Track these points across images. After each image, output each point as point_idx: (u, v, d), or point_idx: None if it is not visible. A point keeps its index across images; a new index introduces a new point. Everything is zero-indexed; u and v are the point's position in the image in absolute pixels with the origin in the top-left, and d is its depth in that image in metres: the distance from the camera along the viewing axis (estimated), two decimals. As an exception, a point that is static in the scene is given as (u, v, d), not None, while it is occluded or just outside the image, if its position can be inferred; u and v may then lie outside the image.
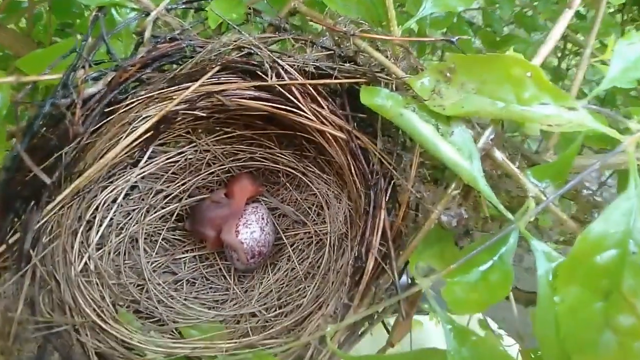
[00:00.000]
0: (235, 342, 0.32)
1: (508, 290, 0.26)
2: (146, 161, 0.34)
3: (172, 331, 0.34)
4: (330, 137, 0.32)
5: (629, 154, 0.25)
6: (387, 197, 0.30)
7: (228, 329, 0.36)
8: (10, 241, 0.26)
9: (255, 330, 0.35)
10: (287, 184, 0.40)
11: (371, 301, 0.29)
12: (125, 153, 0.31)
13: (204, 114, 0.31)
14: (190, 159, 0.37)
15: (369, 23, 0.33)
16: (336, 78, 0.31)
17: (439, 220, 0.29)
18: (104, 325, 0.29)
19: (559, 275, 0.24)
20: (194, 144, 0.36)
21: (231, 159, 0.38)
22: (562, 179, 0.27)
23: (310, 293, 0.35)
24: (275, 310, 0.36)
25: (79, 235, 0.30)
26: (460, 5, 0.37)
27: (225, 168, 0.38)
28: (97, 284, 0.31)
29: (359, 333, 0.30)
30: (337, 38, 0.31)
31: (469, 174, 0.27)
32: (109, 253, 0.33)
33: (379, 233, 0.29)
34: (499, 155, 0.28)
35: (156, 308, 0.34)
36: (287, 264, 0.39)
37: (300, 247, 0.40)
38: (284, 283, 0.38)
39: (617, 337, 0.24)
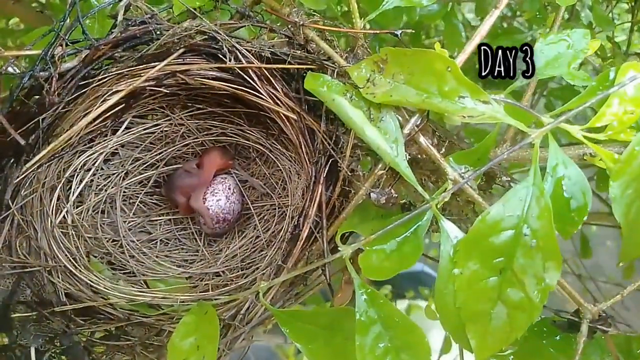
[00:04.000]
0: (192, 295, 0.36)
1: (415, 261, 0.29)
2: (124, 131, 0.38)
3: (140, 282, 0.39)
4: (285, 117, 0.35)
5: (534, 146, 0.27)
6: (326, 174, 0.32)
7: (192, 285, 0.40)
8: (-7, 192, 0.30)
9: (216, 288, 0.39)
10: (257, 160, 0.43)
11: (304, 265, 0.32)
12: (99, 122, 0.34)
13: (169, 91, 0.34)
14: (166, 131, 0.40)
15: (321, 15, 0.35)
16: (289, 64, 0.34)
17: (369, 197, 0.32)
18: (74, 271, 0.33)
19: (458, 251, 0.27)
20: (169, 117, 0.40)
21: (204, 133, 0.42)
22: (480, 165, 0.30)
23: (269, 258, 0.39)
24: (238, 271, 0.40)
25: (57, 191, 0.34)
26: (425, -1, 0.39)
27: (199, 141, 0.42)
28: (73, 236, 0.35)
29: (294, 293, 0.33)
30: (292, 28, 0.34)
31: (391, 157, 0.29)
32: (88, 210, 0.38)
33: (315, 205, 0.32)
34: (423, 141, 0.30)
35: (128, 262, 0.39)
36: (252, 232, 0.43)
37: (265, 217, 0.43)
38: (248, 249, 0.42)
39: (507, 309, 0.27)
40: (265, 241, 0.41)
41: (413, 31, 0.36)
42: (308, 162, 0.34)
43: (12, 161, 0.30)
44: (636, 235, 0.27)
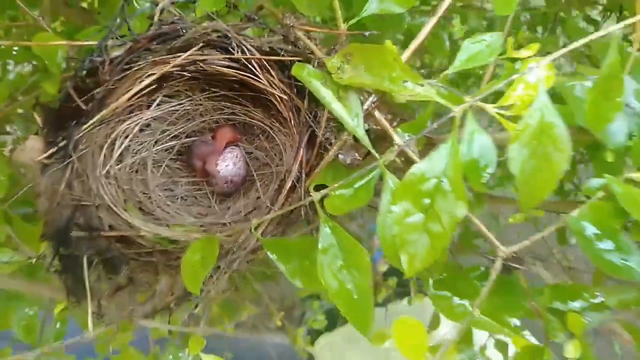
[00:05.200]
0: (203, 235, 0.46)
1: (366, 202, 0.38)
2: (155, 107, 0.49)
3: (164, 226, 0.49)
4: (279, 98, 0.45)
5: (454, 119, 0.36)
6: (307, 140, 0.42)
7: (204, 230, 0.50)
8: (60, 145, 0.41)
9: (222, 233, 0.49)
10: (260, 135, 0.53)
11: (288, 206, 0.42)
12: (137, 98, 0.45)
13: (190, 75, 0.45)
14: (188, 109, 0.51)
15: (313, 19, 0.45)
16: (282, 56, 0.44)
17: (337, 158, 0.41)
18: (114, 209, 0.43)
19: (394, 194, 0.36)
20: (191, 98, 0.50)
21: (218, 112, 0.52)
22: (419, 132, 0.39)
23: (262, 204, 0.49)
24: (241, 222, 0.50)
25: (104, 149, 0.44)
26: (399, 7, 0.48)
27: (214, 118, 0.52)
28: (114, 185, 0.46)
29: (281, 230, 0.43)
30: (285, 28, 0.43)
31: (352, 126, 0.39)
32: (126, 167, 0.48)
33: (297, 164, 0.42)
34: (377, 115, 0.40)
35: (155, 210, 0.49)
36: (255, 193, 0.53)
37: (265, 182, 0.53)
38: (250, 205, 0.52)
39: (430, 239, 0.36)
40: (264, 200, 0.51)
41: (377, 32, 0.45)
42: (295, 132, 0.44)
43: (74, 123, 0.41)
44: (530, 188, 0.35)
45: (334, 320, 1.72)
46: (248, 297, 1.22)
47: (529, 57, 0.40)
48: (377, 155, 0.38)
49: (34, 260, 0.38)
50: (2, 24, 0.52)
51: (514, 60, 0.44)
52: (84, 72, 0.41)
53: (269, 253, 0.39)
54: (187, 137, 0.53)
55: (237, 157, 0.52)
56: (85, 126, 0.42)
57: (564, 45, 0.38)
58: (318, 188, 0.41)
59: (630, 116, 0.43)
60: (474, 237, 1.04)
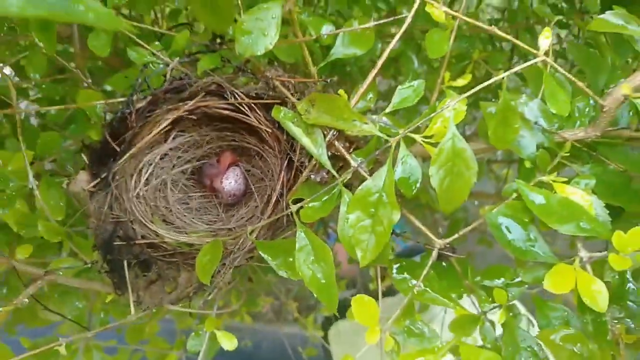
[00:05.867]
0: (213, 239, 0.60)
1: (329, 211, 0.50)
2: (171, 140, 0.62)
3: (183, 233, 0.62)
4: (265, 132, 0.57)
5: (392, 146, 0.48)
6: (286, 164, 0.55)
7: (214, 234, 0.64)
8: (102, 177, 0.55)
9: (229, 236, 0.62)
10: (256, 156, 0.66)
11: (274, 216, 0.55)
12: (157, 136, 0.58)
13: (197, 117, 0.58)
14: (197, 139, 0.64)
15: (289, 66, 0.57)
16: (266, 99, 0.56)
17: (310, 178, 0.54)
18: (144, 222, 0.57)
19: (349, 205, 0.48)
20: (199, 131, 0.63)
21: (221, 140, 0.65)
22: (368, 157, 0.51)
23: (256, 215, 0.62)
24: (243, 227, 0.63)
25: (134, 176, 0.58)
26: (360, 50, 0.60)
27: (218, 145, 0.66)
28: (143, 203, 0.59)
29: (270, 234, 0.56)
30: (266, 79, 0.56)
31: (317, 155, 0.51)
32: (151, 188, 0.62)
33: (279, 183, 0.54)
34: (337, 144, 0.52)
35: (175, 221, 0.62)
36: (254, 203, 0.66)
37: (261, 194, 0.66)
38: (250, 213, 0.65)
39: (376, 237, 0.48)
40: (260, 208, 0.64)
41: (336, 78, 0.57)
42: (278, 157, 0.57)
43: (112, 159, 0.55)
44: (447, 198, 0.47)
45: (343, 310, 1.85)
46: (264, 289, 1.35)
47: (461, 85, 0.52)
48: (337, 175, 0.51)
49: (89, 265, 0.52)
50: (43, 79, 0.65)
51: (452, 88, 0.56)
52: (117, 120, 0.54)
53: (261, 252, 0.52)
54: (197, 161, 0.66)
55: (237, 175, 0.65)
56: (119, 161, 0.55)
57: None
58: (296, 201, 0.53)
59: (539, 132, 0.54)
60: (460, 225, 1.16)
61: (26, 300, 0.47)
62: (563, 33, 0.98)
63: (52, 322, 0.72)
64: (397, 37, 0.51)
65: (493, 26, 0.48)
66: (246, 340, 1.44)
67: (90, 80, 0.65)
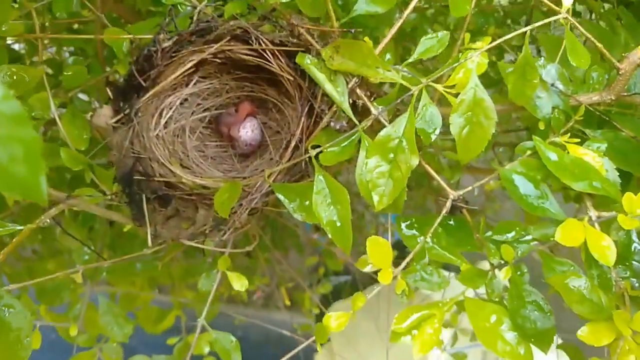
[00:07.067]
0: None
1: (350, 156, 0.51)
2: (192, 85, 0.62)
3: (200, 177, 0.63)
4: (287, 79, 0.58)
5: (413, 95, 0.49)
6: (307, 111, 0.55)
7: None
8: (125, 112, 0.55)
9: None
10: (273, 109, 0.67)
11: (293, 160, 0.55)
12: (180, 78, 0.59)
13: (220, 61, 0.58)
14: (216, 87, 0.64)
15: (311, 19, 0.58)
16: (289, 47, 0.57)
17: (330, 125, 0.54)
18: (163, 161, 0.57)
19: (368, 150, 0.49)
20: (219, 79, 0.64)
21: (240, 90, 0.65)
22: (389, 105, 0.51)
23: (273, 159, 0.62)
24: (257, 176, 0.64)
25: (155, 116, 0.58)
26: (382, 8, 0.60)
27: (236, 95, 0.66)
28: (162, 145, 0.60)
29: (287, 178, 0.57)
30: (291, 26, 0.56)
31: (339, 101, 0.51)
32: (170, 132, 0.62)
33: (299, 129, 0.55)
34: (359, 92, 0.52)
35: (192, 166, 0.63)
36: (269, 154, 0.66)
37: (277, 146, 0.67)
38: (264, 165, 0.66)
39: (393, 182, 0.49)
40: (276, 159, 0.65)
41: (361, 30, 0.58)
42: (299, 105, 0.58)
43: (135, 95, 0.55)
44: (466, 147, 0.48)
45: (339, 292, 1.87)
46: (260, 270, 1.36)
47: (480, 48, 0.53)
48: (357, 122, 0.51)
49: (109, 196, 0.53)
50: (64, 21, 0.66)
51: (470, 49, 0.57)
52: (143, 58, 0.54)
53: (278, 194, 0.53)
54: (216, 109, 0.66)
55: (254, 125, 0.65)
56: (143, 98, 0.55)
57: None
58: (314, 147, 0.54)
59: (555, 94, 0.55)
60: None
61: (47, 220, 0.47)
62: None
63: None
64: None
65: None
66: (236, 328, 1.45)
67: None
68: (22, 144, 0.20)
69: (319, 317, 1.70)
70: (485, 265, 0.56)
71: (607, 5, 0.79)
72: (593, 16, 0.88)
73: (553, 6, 0.46)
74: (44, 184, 0.21)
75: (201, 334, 0.58)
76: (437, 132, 0.49)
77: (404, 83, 0.49)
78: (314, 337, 0.56)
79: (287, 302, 1.44)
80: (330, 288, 1.78)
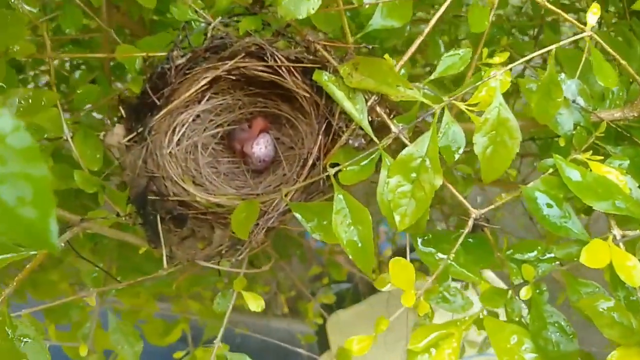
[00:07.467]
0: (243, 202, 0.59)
1: (369, 175, 0.50)
2: (205, 102, 0.61)
3: (213, 195, 0.62)
4: (302, 96, 0.57)
5: (435, 113, 0.48)
6: (324, 129, 0.54)
7: (242, 199, 0.63)
8: (138, 131, 0.54)
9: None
10: (286, 124, 0.66)
11: (310, 179, 0.54)
12: (193, 95, 0.57)
13: (234, 78, 0.57)
14: (229, 103, 0.63)
15: (328, 34, 0.57)
16: (305, 64, 0.55)
17: (348, 143, 0.53)
18: (176, 180, 0.56)
19: (390, 170, 0.48)
20: (232, 95, 0.63)
21: (253, 106, 0.64)
22: (409, 124, 0.50)
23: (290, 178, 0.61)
24: (270, 193, 0.63)
25: (168, 134, 0.57)
26: (398, 23, 0.60)
27: (250, 111, 0.65)
28: (174, 163, 0.59)
29: (304, 197, 0.55)
30: (307, 42, 0.55)
31: (359, 118, 0.50)
32: (183, 149, 0.61)
33: (316, 147, 0.54)
34: (378, 109, 0.51)
35: (204, 183, 0.62)
36: (282, 171, 0.65)
37: (290, 162, 0.65)
38: (277, 181, 0.64)
39: (415, 202, 0.48)
40: (289, 176, 0.64)
41: (377, 46, 0.57)
42: (315, 122, 0.56)
43: (149, 114, 0.54)
44: (490, 166, 0.47)
45: (342, 300, 1.85)
46: (262, 279, 1.35)
47: (498, 63, 0.52)
48: (377, 140, 0.50)
49: (123, 218, 0.51)
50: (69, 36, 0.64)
51: (488, 65, 0.56)
52: (157, 76, 0.53)
53: (295, 214, 0.51)
54: (228, 125, 0.65)
55: (267, 141, 0.64)
56: (156, 117, 0.54)
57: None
58: (333, 166, 0.53)
59: (576, 110, 0.54)
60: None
61: (62, 244, 0.46)
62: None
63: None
64: (438, 13, 0.51)
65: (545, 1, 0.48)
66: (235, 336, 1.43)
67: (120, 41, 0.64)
68: (32, 183, 0.18)
69: (322, 326, 1.68)
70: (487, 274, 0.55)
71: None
72: (604, 27, 0.88)
73: (578, 24, 0.45)
74: (55, 230, 0.19)
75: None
76: (461, 151, 0.47)
77: (426, 101, 0.48)
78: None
79: (286, 310, 1.43)
80: (334, 298, 1.77)
